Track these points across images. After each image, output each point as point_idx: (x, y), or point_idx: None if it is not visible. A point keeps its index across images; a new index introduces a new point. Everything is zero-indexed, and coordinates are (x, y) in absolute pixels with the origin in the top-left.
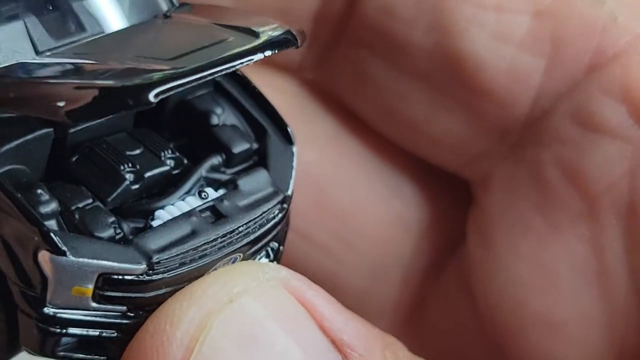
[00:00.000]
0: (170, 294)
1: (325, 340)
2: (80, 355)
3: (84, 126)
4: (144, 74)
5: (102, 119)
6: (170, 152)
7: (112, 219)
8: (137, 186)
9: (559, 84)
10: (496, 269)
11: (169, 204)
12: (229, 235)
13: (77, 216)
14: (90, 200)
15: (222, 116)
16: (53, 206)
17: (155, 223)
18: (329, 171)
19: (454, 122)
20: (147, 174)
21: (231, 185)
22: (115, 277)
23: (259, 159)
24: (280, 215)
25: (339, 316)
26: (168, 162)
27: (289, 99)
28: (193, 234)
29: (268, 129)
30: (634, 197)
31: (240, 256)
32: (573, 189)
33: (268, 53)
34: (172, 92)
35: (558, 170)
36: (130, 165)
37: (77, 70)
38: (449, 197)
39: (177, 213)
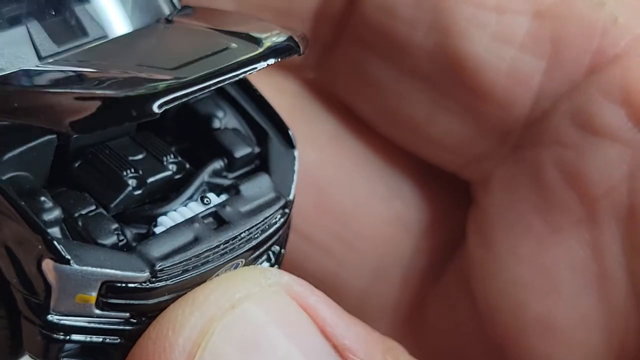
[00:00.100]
0: (173, 300)
1: (327, 345)
2: None
3: None
4: (147, 84)
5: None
6: (172, 156)
7: (115, 225)
8: (139, 192)
9: (559, 85)
10: (496, 270)
11: (171, 210)
12: (231, 242)
13: (80, 223)
14: (93, 207)
15: (224, 120)
16: (56, 213)
17: (158, 229)
18: (330, 171)
19: (454, 123)
20: (150, 180)
21: (233, 190)
22: (119, 284)
23: (260, 163)
24: (282, 220)
25: (341, 321)
26: (170, 167)
27: (289, 98)
28: (196, 240)
29: (269, 133)
30: (633, 200)
31: (242, 261)
32: (573, 191)
33: (271, 61)
34: (175, 103)
35: (558, 172)
36: (132, 170)
37: (80, 80)
38: (449, 197)
39: (180, 219)
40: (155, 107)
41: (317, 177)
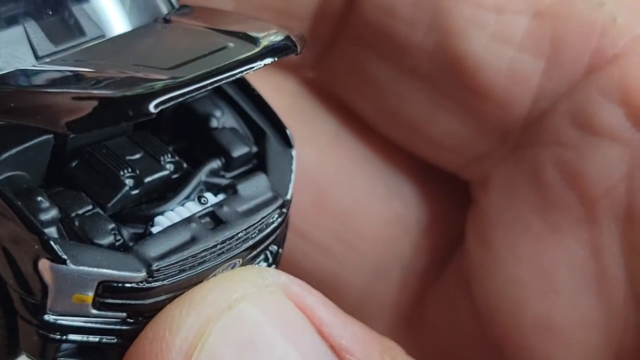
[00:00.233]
0: (170, 300)
1: (324, 345)
2: None
3: None
4: (144, 84)
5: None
6: (169, 156)
7: (112, 225)
8: (136, 191)
9: (558, 85)
10: (495, 270)
11: (168, 210)
12: (228, 241)
13: (77, 223)
14: (90, 207)
15: (222, 119)
16: (53, 213)
17: (154, 229)
18: (329, 171)
19: (453, 123)
20: (147, 179)
21: (230, 190)
22: (115, 284)
23: (258, 162)
24: (279, 219)
25: (338, 321)
26: (168, 166)
27: (288, 98)
28: (192, 240)
29: (267, 132)
30: (632, 200)
31: (239, 261)
32: (572, 191)
33: (268, 61)
34: (172, 103)
35: (557, 172)
36: (130, 170)
37: (77, 80)
38: (449, 197)
39: (177, 219)
40: (151, 107)
41: (317, 176)
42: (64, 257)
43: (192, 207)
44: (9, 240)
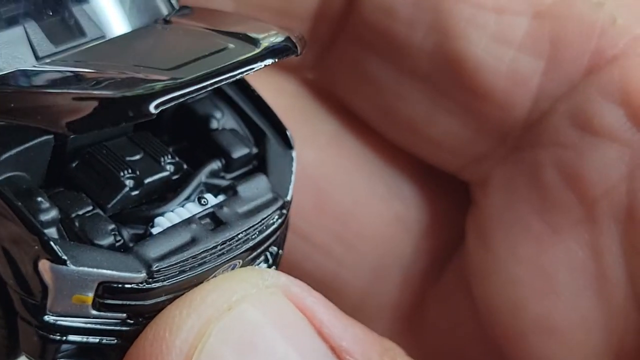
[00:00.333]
0: (170, 301)
1: (324, 346)
2: None
3: None
4: (144, 84)
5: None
6: (170, 157)
7: (112, 226)
8: (136, 192)
9: (558, 86)
10: (495, 270)
11: (168, 211)
12: (228, 243)
13: (77, 224)
14: (90, 207)
15: (222, 120)
16: (53, 214)
17: (155, 230)
18: (329, 171)
19: (453, 123)
20: (147, 180)
21: (231, 191)
22: (115, 285)
23: (258, 164)
24: (279, 220)
25: (338, 322)
26: (168, 167)
27: (288, 98)
28: (193, 241)
29: (267, 133)
30: (632, 201)
31: (239, 262)
32: (571, 192)
33: (268, 62)
34: (172, 103)
35: (557, 172)
36: (130, 171)
37: (77, 80)
38: (449, 198)
39: (177, 220)
40: (152, 108)
41: (317, 177)
42: (64, 257)
43: (192, 208)
44: (9, 240)
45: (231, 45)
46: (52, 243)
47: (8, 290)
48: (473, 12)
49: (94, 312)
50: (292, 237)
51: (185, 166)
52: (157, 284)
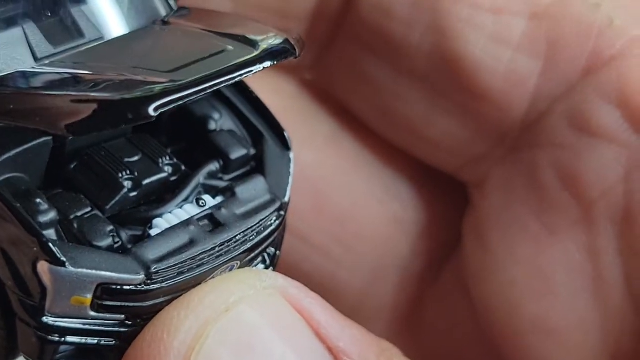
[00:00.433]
0: (169, 302)
1: (322, 347)
2: None
3: None
4: (143, 87)
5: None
6: (168, 158)
7: (111, 227)
8: (135, 193)
9: (556, 87)
10: (493, 271)
11: (166, 212)
12: (226, 244)
13: (75, 225)
14: (88, 209)
15: (220, 121)
16: (52, 215)
17: (153, 231)
18: (327, 172)
19: (451, 124)
20: (145, 182)
21: (229, 192)
22: (114, 287)
23: (256, 165)
24: (277, 222)
25: (336, 323)
26: (166, 168)
27: (286, 99)
28: (191, 243)
29: (265, 134)
30: (629, 202)
31: (237, 263)
32: (569, 193)
33: (267, 64)
34: (171, 106)
35: (554, 174)
36: (128, 172)
37: (76, 82)
38: (447, 198)
39: (175, 221)
40: (151, 110)
41: (315, 178)
42: (63, 259)
43: (191, 210)
44: (8, 242)
45: (230, 48)
46: (51, 245)
47: (7, 292)
48: (471, 13)
49: (93, 314)
50: (290, 238)
51: (183, 167)
52: (156, 286)
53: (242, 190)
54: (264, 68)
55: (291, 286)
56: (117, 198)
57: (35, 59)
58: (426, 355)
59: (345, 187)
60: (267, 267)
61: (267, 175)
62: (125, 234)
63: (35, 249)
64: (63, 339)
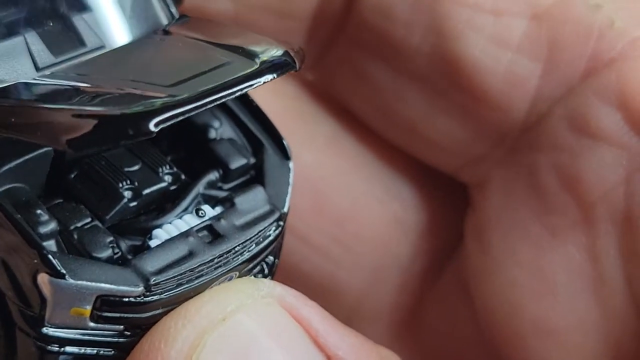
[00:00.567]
0: (167, 313)
1: (320, 356)
2: None
3: None
4: (144, 101)
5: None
6: (168, 167)
7: (110, 238)
8: (135, 203)
9: (556, 89)
10: (493, 272)
11: (166, 223)
12: (225, 255)
13: (75, 236)
14: (88, 219)
15: (220, 130)
16: (52, 226)
17: (152, 242)
18: (327, 173)
19: (451, 125)
20: (145, 191)
21: (228, 203)
22: (113, 299)
23: (256, 174)
24: (276, 232)
25: (334, 332)
26: (166, 177)
27: (287, 100)
28: (190, 254)
29: (265, 143)
30: (629, 204)
31: (236, 274)
32: (569, 195)
33: (269, 78)
34: (172, 121)
35: (554, 176)
36: (128, 182)
37: (77, 95)
38: (448, 199)
39: (175, 232)
40: (151, 126)
41: (315, 178)
42: (63, 271)
43: (190, 220)
44: (9, 252)
45: (230, 61)
46: (50, 257)
47: (7, 302)
48: (471, 14)
49: (92, 324)
50: (290, 239)
51: (183, 177)
52: (155, 297)
53: (241, 201)
54: (264, 82)
55: (289, 295)
56: (117, 208)
57: (37, 68)
58: (426, 356)
59: (346, 187)
60: (265, 276)
61: (266, 185)
62: (124, 244)
63: (35, 260)
64: (62, 349)
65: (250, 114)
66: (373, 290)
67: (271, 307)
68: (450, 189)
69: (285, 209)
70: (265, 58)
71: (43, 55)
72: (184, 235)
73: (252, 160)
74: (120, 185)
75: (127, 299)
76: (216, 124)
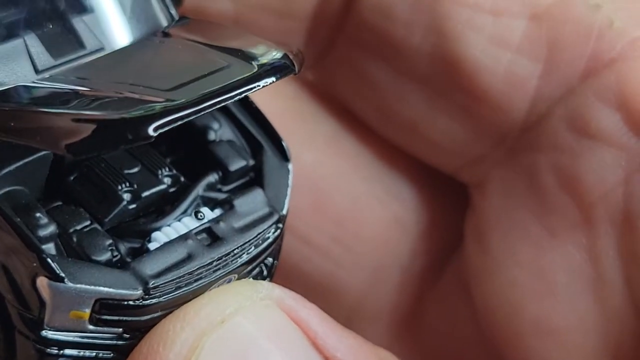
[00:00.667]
0: (166, 316)
1: (319, 358)
2: None
3: None
4: (143, 105)
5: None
6: (167, 169)
7: (109, 241)
8: (134, 206)
9: (555, 89)
10: (493, 273)
11: (165, 225)
12: (224, 258)
13: (74, 239)
14: (87, 222)
15: (219, 131)
16: (51, 229)
17: (151, 245)
18: (327, 173)
19: (451, 125)
20: (145, 194)
21: (227, 205)
22: (112, 302)
23: (255, 175)
24: (275, 234)
25: (333, 333)
26: (165, 180)
27: (287, 100)
28: (189, 257)
29: (264, 145)
30: (628, 205)
31: (235, 276)
32: (569, 195)
33: (268, 81)
34: (171, 126)
35: (554, 176)
36: (127, 184)
37: (77, 99)
38: (448, 199)
39: (174, 234)
40: (150, 130)
41: (315, 178)
42: (62, 275)
43: (189, 223)
44: (8, 256)
45: (230, 64)
46: (50, 261)
47: (6, 305)
48: (470, 14)
49: (91, 327)
50: (290, 239)
51: (182, 179)
52: (153, 301)
53: (240, 203)
54: (263, 86)
55: (288, 297)
56: (116, 211)
57: (36, 71)
58: (426, 356)
59: (346, 187)
60: (264, 278)
61: (265, 186)
62: (124, 247)
63: (34, 264)
64: (61, 351)
65: (249, 115)
66: (373, 290)
67: (270, 309)
68: (451, 189)
69: (284, 211)
70: (264, 61)
71: (42, 57)
72: (183, 238)
73: (252, 162)
74: (120, 187)
75: (126, 302)
76: (215, 125)
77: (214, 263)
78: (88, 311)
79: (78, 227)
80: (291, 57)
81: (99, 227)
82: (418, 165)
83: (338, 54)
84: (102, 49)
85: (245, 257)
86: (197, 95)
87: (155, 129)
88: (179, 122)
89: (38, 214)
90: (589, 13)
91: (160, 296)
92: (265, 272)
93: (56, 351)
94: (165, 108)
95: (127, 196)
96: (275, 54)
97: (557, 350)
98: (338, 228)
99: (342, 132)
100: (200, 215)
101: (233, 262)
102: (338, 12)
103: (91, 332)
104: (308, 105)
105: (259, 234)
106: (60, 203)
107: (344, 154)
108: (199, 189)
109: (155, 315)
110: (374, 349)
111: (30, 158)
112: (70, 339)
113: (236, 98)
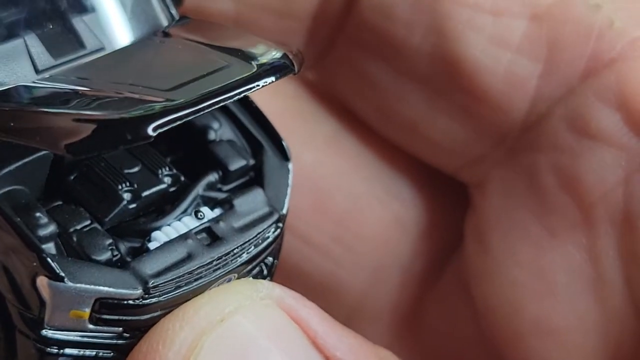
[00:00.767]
0: (166, 315)
1: (319, 357)
2: None
3: None
4: (142, 105)
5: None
6: (167, 169)
7: (109, 241)
8: (134, 205)
9: (555, 89)
10: (493, 273)
11: (165, 225)
12: (224, 258)
13: (75, 239)
14: (87, 222)
15: (219, 131)
16: (51, 229)
17: (151, 244)
18: (328, 172)
19: (451, 125)
20: (145, 193)
21: (227, 204)
22: (112, 301)
23: (255, 175)
24: (275, 234)
25: (333, 333)
26: (165, 179)
27: (287, 100)
28: (189, 257)
29: (264, 145)
30: (628, 205)
31: (235, 276)
32: (569, 195)
33: (267, 81)
34: (170, 126)
35: (554, 176)
36: (127, 184)
37: (77, 99)
38: (448, 199)
39: (174, 234)
40: (149, 130)
41: (315, 178)
42: (62, 274)
43: (189, 222)
44: (8, 255)
45: (229, 64)
46: (50, 260)
47: (6, 304)
48: (471, 14)
49: (91, 327)
50: (290, 238)
51: (182, 178)
52: (153, 300)
53: (240, 203)
54: (262, 86)
55: (288, 296)
56: (116, 210)
57: (36, 71)
58: (426, 355)
59: (346, 187)
60: (264, 277)
61: (265, 186)
62: (123, 246)
63: (34, 263)
64: (61, 351)
65: (249, 115)
66: (373, 289)
67: (270, 309)
68: (451, 189)
69: (284, 211)
70: (264, 61)
71: (43, 57)
72: (183, 237)
73: (252, 162)
74: (120, 187)
75: (126, 302)
76: (215, 125)
77: (214, 262)
78: (88, 310)
79: (78, 227)
80: (291, 56)
81: (99, 227)
82: (418, 165)
83: (338, 54)
84: (102, 48)
85: (245, 257)
86: (197, 95)
87: (154, 129)
88: (179, 122)
89: (38, 214)
90: (589, 13)
91: (160, 295)
92: (265, 272)
93: (56, 350)
94: (165, 108)
95: (127, 196)
96: (275, 54)
97: (557, 350)
98: (338, 228)
99: (342, 132)
100: (200, 215)
101: (233, 261)
102: (338, 12)
103: (91, 331)
104: (308, 105)
105: (259, 233)
106: (60, 203)
107: (344, 153)
108: (199, 189)
109: (155, 314)
110: (374, 348)
111: (30, 158)
112: (71, 338)
113: (236, 98)
